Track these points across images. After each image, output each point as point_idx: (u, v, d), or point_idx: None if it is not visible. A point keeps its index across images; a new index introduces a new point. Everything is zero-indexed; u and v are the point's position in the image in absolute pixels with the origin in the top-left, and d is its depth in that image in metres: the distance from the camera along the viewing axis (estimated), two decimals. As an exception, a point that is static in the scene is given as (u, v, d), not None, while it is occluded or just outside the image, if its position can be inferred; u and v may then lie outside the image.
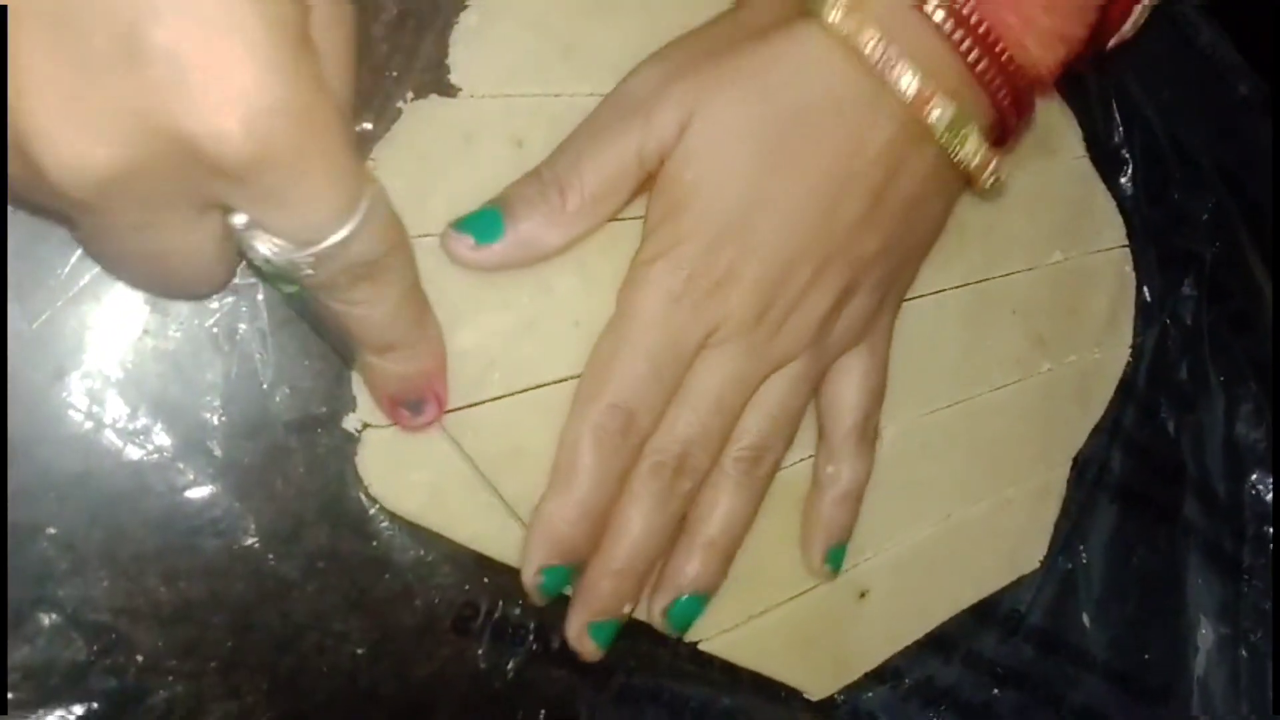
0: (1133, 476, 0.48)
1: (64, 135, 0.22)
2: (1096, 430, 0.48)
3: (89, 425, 0.31)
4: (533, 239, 0.34)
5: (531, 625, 0.36)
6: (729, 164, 0.34)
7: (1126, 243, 0.49)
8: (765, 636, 0.40)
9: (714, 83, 0.34)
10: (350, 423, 0.34)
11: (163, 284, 0.29)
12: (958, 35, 0.34)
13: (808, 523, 0.40)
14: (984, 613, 0.45)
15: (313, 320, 0.31)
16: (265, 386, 0.33)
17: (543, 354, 0.36)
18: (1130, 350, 0.49)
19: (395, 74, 0.35)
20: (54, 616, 0.31)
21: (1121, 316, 0.49)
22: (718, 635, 0.39)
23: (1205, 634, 0.48)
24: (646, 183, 0.35)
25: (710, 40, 0.36)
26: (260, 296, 0.33)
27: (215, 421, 0.32)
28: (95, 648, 0.31)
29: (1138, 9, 0.36)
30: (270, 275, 0.27)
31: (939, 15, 0.33)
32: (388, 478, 0.34)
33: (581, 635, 0.36)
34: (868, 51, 0.33)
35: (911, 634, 0.44)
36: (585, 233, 0.35)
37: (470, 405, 0.35)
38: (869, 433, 0.40)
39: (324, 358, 0.34)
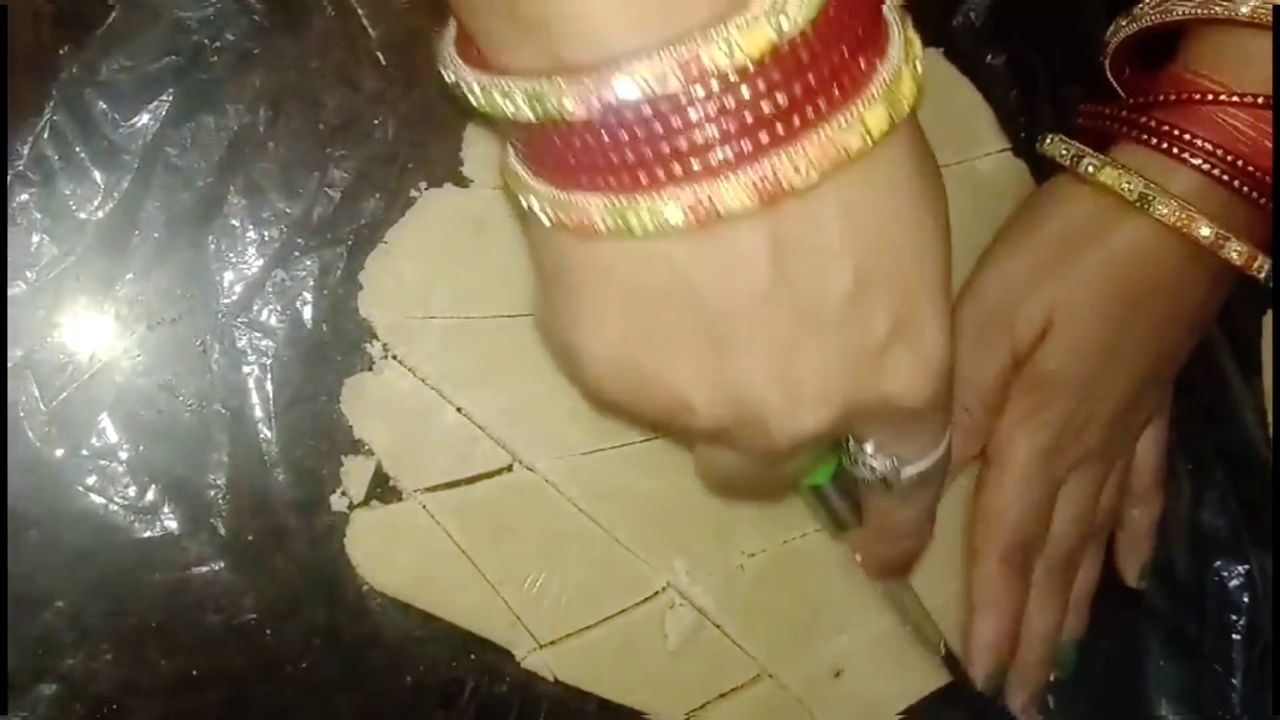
0: (1100, 562, 0.50)
1: (796, 406, 0.27)
2: (1067, 516, 0.49)
3: (99, 502, 0.32)
4: (959, 455, 0.40)
5: (516, 703, 0.37)
6: (1085, 349, 0.40)
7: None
8: (736, 717, 0.41)
9: (1067, 290, 0.40)
10: (339, 503, 0.35)
11: (759, 493, 0.36)
12: (1254, 194, 0.38)
13: (1123, 551, 0.47)
14: (952, 695, 0.46)
15: (831, 507, 0.38)
16: (268, 466, 0.34)
17: (535, 436, 0.37)
18: (1102, 439, 0.50)
19: (410, 165, 0.36)
20: (56, 687, 0.32)
21: (1095, 406, 0.50)
22: (686, 716, 0.40)
23: (1166, 718, 0.50)
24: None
25: (1045, 246, 0.41)
26: (268, 380, 0.34)
27: (220, 500, 0.33)
28: (96, 719, 0.32)
29: None
30: (860, 480, 0.33)
31: (1245, 188, 0.38)
32: (374, 556, 0.35)
33: (1029, 709, 0.45)
34: (1202, 235, 0.38)
35: (883, 715, 0.45)
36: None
37: (456, 483, 0.36)
38: (1163, 480, 0.47)
39: (326, 437, 0.35)
